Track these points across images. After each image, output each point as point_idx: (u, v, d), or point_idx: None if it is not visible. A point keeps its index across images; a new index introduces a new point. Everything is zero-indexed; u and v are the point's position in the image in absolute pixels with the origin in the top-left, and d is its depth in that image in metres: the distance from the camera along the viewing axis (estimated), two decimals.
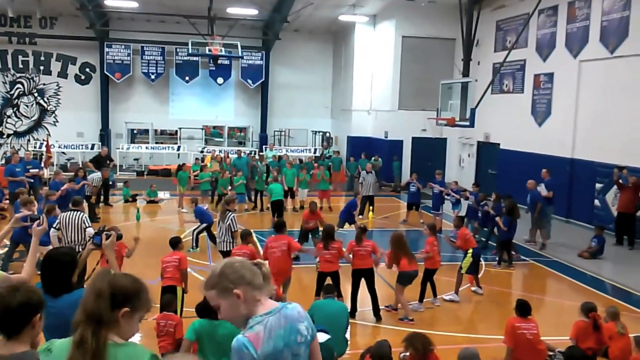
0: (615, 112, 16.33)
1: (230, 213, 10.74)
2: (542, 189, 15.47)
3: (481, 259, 11.95)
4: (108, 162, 19.68)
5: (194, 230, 13.88)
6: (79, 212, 9.96)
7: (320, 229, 11.95)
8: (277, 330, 2.75)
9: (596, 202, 16.89)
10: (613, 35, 16.54)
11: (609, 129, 16.46)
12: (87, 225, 9.78)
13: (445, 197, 16.84)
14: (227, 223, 10.52)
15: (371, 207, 18.52)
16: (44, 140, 25.96)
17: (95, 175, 17.48)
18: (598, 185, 16.84)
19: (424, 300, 10.34)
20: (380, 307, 9.82)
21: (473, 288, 11.30)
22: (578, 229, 17.01)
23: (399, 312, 9.82)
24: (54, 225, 9.74)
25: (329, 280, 9.42)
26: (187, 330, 6.16)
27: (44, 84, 28.11)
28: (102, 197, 18.85)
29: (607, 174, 15.91)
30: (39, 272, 4.13)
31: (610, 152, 16.24)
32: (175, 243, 9.10)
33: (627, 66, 16.01)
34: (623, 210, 14.85)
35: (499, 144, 21.71)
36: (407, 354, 7.05)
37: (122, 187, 20.42)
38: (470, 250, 10.97)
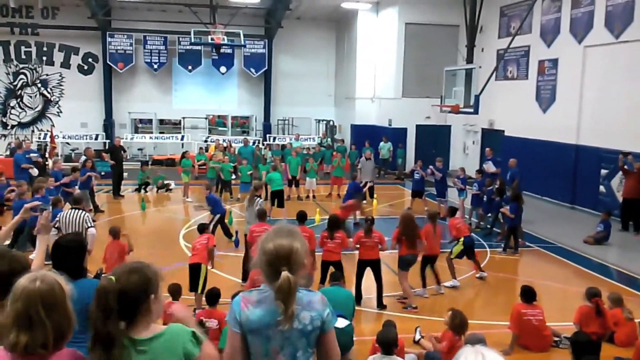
0: (620, 97, 16.28)
1: (258, 198, 11.06)
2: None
3: (484, 245, 11.97)
4: (123, 152, 19.61)
5: (211, 223, 13.08)
6: (80, 211, 9.46)
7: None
8: (272, 304, 2.75)
9: (601, 188, 16.89)
10: (618, 20, 16.45)
11: (614, 115, 16.42)
12: (89, 225, 9.32)
13: (451, 185, 16.88)
14: (257, 208, 10.62)
15: (373, 195, 18.56)
16: (48, 130, 26.00)
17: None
18: (603, 171, 16.83)
19: (428, 287, 10.37)
20: (389, 295, 9.89)
21: (477, 275, 11.32)
22: (583, 215, 17.01)
23: (406, 301, 9.86)
24: (54, 224, 9.14)
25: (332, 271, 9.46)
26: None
27: (47, 75, 28.09)
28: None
29: (612, 160, 15.89)
30: (47, 263, 4.20)
31: (615, 138, 16.21)
32: (202, 229, 9.61)
33: (632, 51, 15.94)
34: (628, 196, 14.84)
35: (503, 131, 21.69)
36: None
37: (139, 172, 20.42)
38: (462, 239, 10.98)
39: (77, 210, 9.46)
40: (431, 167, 16.91)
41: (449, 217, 11.82)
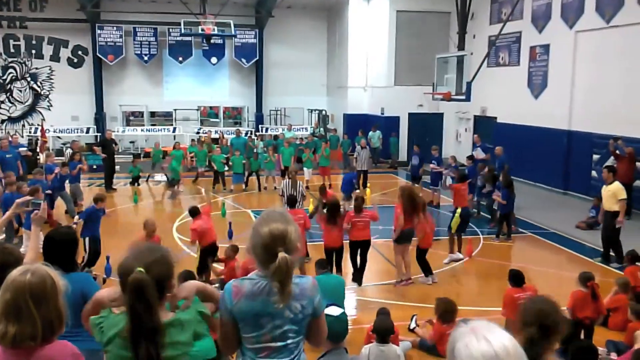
0: (611, 82, 16.32)
1: (300, 182, 12.14)
2: (478, 153, 15.87)
3: (477, 232, 12.01)
4: (114, 145, 19.54)
5: None
6: None
7: None
8: (264, 296, 2.78)
9: (593, 173, 16.95)
10: (608, 5, 16.48)
11: (605, 100, 16.48)
12: None
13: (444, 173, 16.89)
14: (300, 189, 11.68)
15: (367, 184, 18.64)
16: (38, 125, 25.84)
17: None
18: (595, 157, 16.89)
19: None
20: (386, 283, 9.99)
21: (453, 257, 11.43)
22: (576, 201, 17.10)
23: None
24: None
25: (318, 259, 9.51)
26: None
27: (37, 68, 27.87)
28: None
29: (604, 145, 15.94)
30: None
31: (606, 122, 16.27)
32: (194, 212, 10.09)
33: (622, 36, 15.99)
34: (620, 181, 14.86)
35: (495, 118, 21.73)
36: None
37: (129, 167, 20.38)
38: (459, 209, 11.07)
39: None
40: (431, 164, 16.97)
41: (457, 182, 11.95)
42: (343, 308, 7.33)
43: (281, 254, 2.71)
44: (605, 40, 16.66)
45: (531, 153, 18.97)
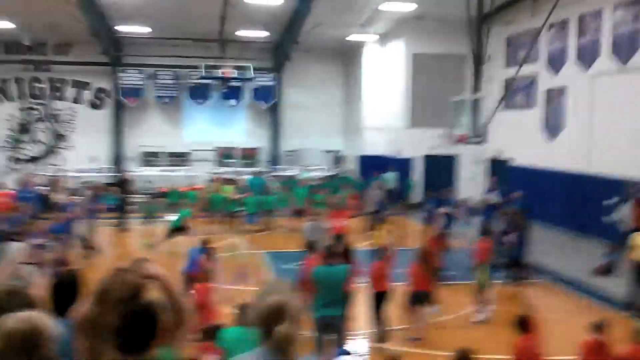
0: (628, 126, 16.11)
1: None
2: (490, 197, 15.71)
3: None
4: (131, 186, 19.67)
5: None
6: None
7: None
8: None
9: (610, 217, 16.58)
10: (625, 48, 16.40)
11: (624, 143, 16.24)
12: None
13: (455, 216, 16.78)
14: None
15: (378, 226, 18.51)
16: (58, 165, 26.28)
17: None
18: (613, 200, 16.55)
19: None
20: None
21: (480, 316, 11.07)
22: (591, 246, 16.68)
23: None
24: None
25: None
26: None
27: (59, 110, 28.42)
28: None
29: (623, 189, 15.65)
30: None
31: (625, 166, 15.98)
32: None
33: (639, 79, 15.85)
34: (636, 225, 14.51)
35: (511, 161, 21.48)
36: None
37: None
38: (486, 265, 10.89)
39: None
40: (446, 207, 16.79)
41: (481, 237, 11.72)
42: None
43: (281, 328, 2.64)
44: (622, 83, 16.53)
45: (548, 195, 18.61)
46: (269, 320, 2.67)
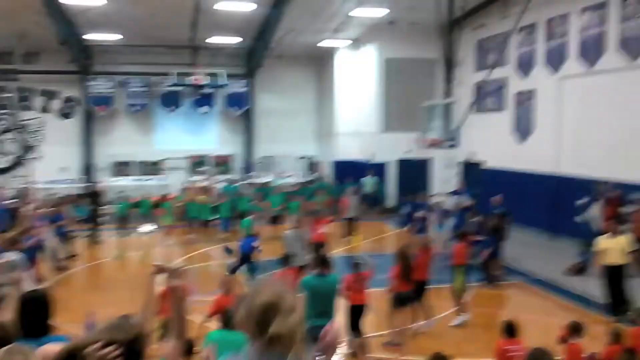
0: (597, 127, 16.41)
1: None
2: (460, 201, 16.17)
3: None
4: (101, 197, 19.35)
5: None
6: None
7: None
8: None
9: (581, 217, 16.83)
10: (592, 51, 16.69)
11: (593, 144, 16.51)
12: None
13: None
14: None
15: (355, 232, 18.50)
16: (27, 176, 25.53)
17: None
18: (583, 201, 16.80)
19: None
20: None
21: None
22: (564, 246, 16.89)
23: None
24: None
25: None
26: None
27: (28, 120, 27.30)
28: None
29: (592, 189, 15.88)
30: None
31: (594, 166, 16.24)
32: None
33: (607, 81, 16.15)
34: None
35: (483, 163, 21.69)
36: None
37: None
38: (462, 268, 10.90)
39: None
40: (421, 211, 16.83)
41: (458, 240, 11.70)
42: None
43: (276, 323, 2.50)
44: (590, 85, 16.84)
45: (519, 197, 18.80)
46: (261, 319, 2.52)
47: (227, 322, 6.55)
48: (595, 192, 15.22)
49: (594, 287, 12.71)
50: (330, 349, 2.73)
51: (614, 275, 10.97)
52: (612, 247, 10.87)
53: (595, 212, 14.85)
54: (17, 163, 27.02)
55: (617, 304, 10.93)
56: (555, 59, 18.26)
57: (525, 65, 19.73)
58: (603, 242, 11.12)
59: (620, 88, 15.80)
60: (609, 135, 15.98)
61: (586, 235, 15.33)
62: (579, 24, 17.23)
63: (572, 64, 17.53)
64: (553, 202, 17.89)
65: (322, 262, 8.74)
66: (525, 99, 19.70)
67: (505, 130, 20.41)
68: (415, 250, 10.44)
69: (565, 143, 17.86)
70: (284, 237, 12.57)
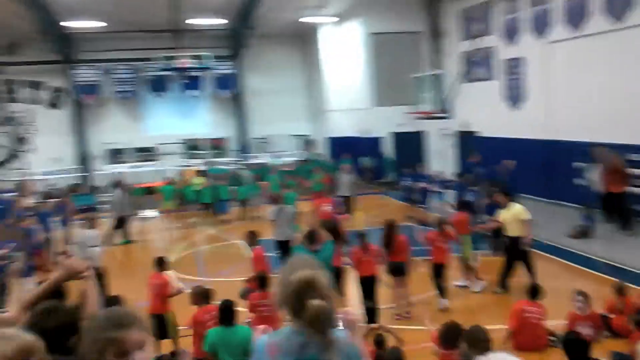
0: (588, 90, 16.41)
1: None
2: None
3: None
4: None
5: None
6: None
7: None
8: (300, 354, 2.52)
9: (579, 181, 16.98)
10: (578, 14, 16.65)
11: (585, 108, 16.57)
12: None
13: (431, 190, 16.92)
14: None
15: (352, 210, 18.35)
16: (22, 169, 25.41)
17: None
18: (580, 164, 16.95)
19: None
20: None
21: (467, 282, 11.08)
22: (562, 210, 16.96)
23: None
24: None
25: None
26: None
27: (18, 112, 27.10)
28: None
29: (587, 153, 15.99)
30: None
31: (589, 130, 16.27)
32: (161, 263, 8.54)
33: (595, 44, 16.10)
34: (610, 190, 14.49)
35: (477, 132, 21.83)
36: None
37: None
38: (468, 237, 10.94)
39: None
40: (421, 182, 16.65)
41: (458, 210, 11.66)
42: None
43: (314, 301, 2.50)
44: (578, 49, 16.82)
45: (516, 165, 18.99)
46: (299, 296, 2.52)
47: (225, 320, 6.45)
48: (592, 155, 15.31)
49: (598, 249, 12.90)
50: (353, 328, 2.76)
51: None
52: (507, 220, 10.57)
53: (594, 176, 14.99)
54: (11, 156, 26.96)
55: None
56: (541, 25, 18.19)
57: (511, 32, 19.68)
58: (502, 215, 10.76)
59: (607, 50, 15.82)
60: (600, 98, 16.03)
61: (586, 199, 15.56)
62: None
63: (559, 28, 17.45)
64: (548, 168, 18.06)
65: (310, 238, 9.02)
66: (514, 66, 19.74)
67: (497, 98, 20.43)
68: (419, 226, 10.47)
69: (556, 108, 17.96)
70: (269, 212, 12.63)
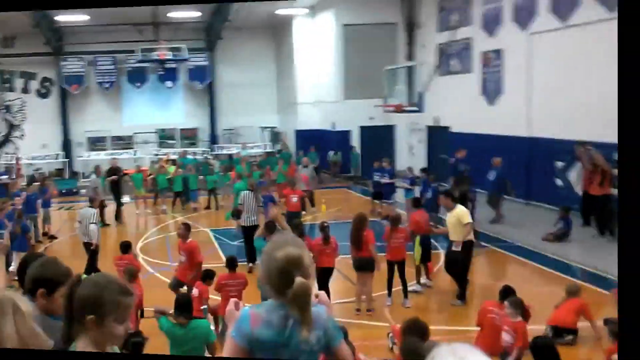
0: (571, 84, 12.77)
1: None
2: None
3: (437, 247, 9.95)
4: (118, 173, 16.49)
5: None
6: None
7: None
8: (282, 325, 2.14)
9: (558, 181, 13.32)
10: (564, 5, 12.98)
11: (566, 104, 12.90)
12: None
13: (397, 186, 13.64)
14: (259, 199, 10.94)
15: (314, 204, 15.61)
16: (14, 154, 23.54)
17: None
18: (559, 164, 13.26)
19: None
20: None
21: (422, 281, 9.14)
22: (539, 211, 13.46)
23: None
24: None
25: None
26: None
27: (10, 101, 25.10)
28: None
29: (568, 151, 12.37)
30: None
31: (569, 127, 12.64)
32: (126, 247, 8.46)
33: (580, 35, 12.46)
34: (593, 193, 11.27)
35: (449, 128, 17.99)
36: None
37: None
38: (418, 238, 8.80)
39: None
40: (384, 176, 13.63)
41: (412, 208, 9.97)
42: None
43: (299, 279, 2.13)
44: (563, 41, 13.13)
45: (490, 162, 15.15)
46: (285, 273, 2.16)
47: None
48: (574, 154, 11.70)
49: (575, 253, 10.29)
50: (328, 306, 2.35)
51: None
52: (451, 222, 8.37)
53: (575, 175, 11.48)
54: (4, 141, 25.64)
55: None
56: (524, 15, 14.50)
57: (491, 23, 15.88)
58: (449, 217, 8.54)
59: (595, 43, 12.00)
60: (584, 93, 12.32)
61: (564, 200, 12.00)
62: None
63: (543, 19, 13.79)
64: (526, 167, 14.32)
65: (269, 228, 8.11)
66: (492, 59, 15.95)
67: (473, 92, 16.56)
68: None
69: (537, 104, 14.20)
70: (240, 196, 11.18)
